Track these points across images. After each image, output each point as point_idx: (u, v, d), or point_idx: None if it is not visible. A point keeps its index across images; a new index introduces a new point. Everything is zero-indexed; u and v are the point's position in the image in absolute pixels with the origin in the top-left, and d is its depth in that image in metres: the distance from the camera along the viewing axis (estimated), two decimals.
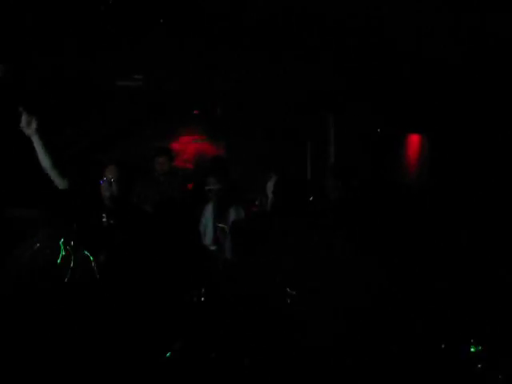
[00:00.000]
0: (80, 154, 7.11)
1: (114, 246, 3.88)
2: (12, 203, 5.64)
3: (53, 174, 3.88)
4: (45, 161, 3.81)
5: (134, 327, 3.48)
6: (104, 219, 3.95)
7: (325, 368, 3.26)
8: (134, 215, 4.17)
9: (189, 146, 9.08)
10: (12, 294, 3.46)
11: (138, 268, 3.80)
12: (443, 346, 3.56)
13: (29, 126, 3.69)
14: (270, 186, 6.71)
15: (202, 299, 3.99)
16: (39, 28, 4.85)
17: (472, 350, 3.53)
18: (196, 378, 3.31)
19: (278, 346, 3.40)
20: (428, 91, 6.81)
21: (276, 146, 8.82)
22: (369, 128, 7.84)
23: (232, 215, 5.20)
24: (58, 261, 3.62)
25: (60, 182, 3.91)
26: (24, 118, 3.68)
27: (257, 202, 8.14)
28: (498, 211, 5.60)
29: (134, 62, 6.05)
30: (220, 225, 5.25)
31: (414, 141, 7.73)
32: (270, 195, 4.79)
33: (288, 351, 3.36)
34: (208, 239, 5.28)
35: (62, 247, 3.67)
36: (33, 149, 3.80)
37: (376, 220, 4.91)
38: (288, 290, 3.63)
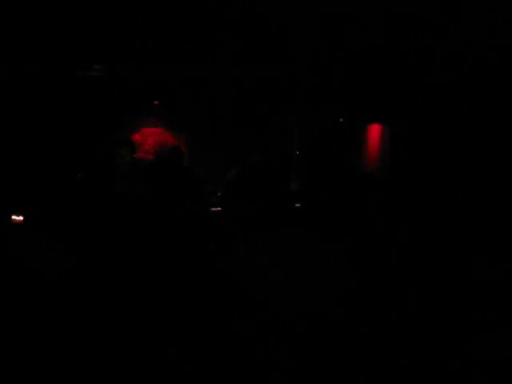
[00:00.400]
0: None
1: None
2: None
3: None
4: None
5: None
6: None
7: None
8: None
9: (149, 138, 8.99)
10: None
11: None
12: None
13: None
14: (230, 176, 6.78)
15: None
16: None
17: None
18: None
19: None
20: (388, 81, 6.91)
21: (238, 137, 8.82)
22: (331, 117, 7.92)
23: None
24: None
25: None
26: None
27: (219, 194, 8.16)
28: (457, 198, 5.75)
29: (95, 51, 5.94)
30: None
31: (375, 130, 7.83)
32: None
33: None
34: None
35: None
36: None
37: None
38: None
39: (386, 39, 5.56)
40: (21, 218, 4.50)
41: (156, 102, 8.91)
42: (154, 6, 4.76)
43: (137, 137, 8.77)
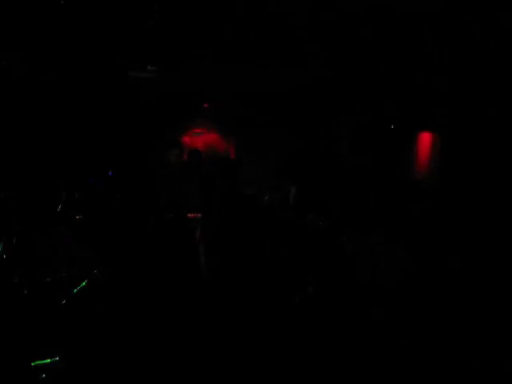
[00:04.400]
0: None
1: None
2: None
3: None
4: None
5: None
6: None
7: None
8: None
9: (198, 139, 9.06)
10: None
11: None
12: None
13: None
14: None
15: None
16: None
17: None
18: None
19: None
20: (440, 89, 6.77)
21: (287, 143, 8.81)
22: (381, 125, 7.82)
23: None
24: None
25: None
26: None
27: (266, 197, 8.16)
28: (507, 210, 5.59)
29: (148, 53, 6.03)
30: None
31: (426, 139, 7.68)
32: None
33: None
34: None
35: None
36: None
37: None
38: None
39: (438, 45, 5.44)
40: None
41: (206, 105, 8.99)
42: (209, 8, 4.79)
43: (186, 139, 8.87)
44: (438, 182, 7.19)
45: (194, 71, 6.95)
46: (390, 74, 6.76)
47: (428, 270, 4.31)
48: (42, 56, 5.60)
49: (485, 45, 5.27)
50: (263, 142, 8.86)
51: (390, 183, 6.83)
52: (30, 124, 6.33)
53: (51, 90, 6.70)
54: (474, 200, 6.12)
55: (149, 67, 6.49)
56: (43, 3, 4.46)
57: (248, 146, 8.94)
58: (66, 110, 7.09)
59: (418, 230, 4.87)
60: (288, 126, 8.86)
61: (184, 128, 8.95)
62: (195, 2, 4.65)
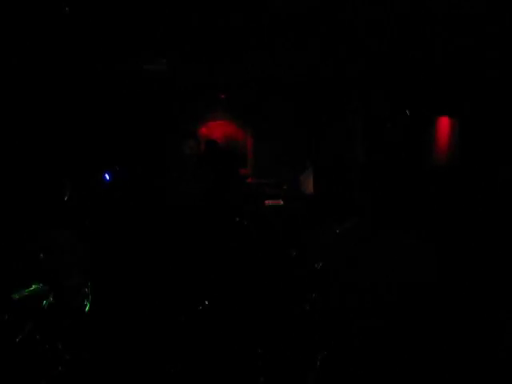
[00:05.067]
0: None
1: None
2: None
3: None
4: None
5: None
6: None
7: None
8: None
9: (216, 130, 9.07)
10: None
11: None
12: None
13: None
14: (305, 177, 6.81)
15: None
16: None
17: None
18: None
19: None
20: (461, 73, 6.67)
21: (303, 133, 8.79)
22: (398, 111, 7.73)
23: None
24: None
25: None
26: None
27: (285, 187, 8.17)
28: None
29: (160, 45, 6.04)
30: None
31: (444, 124, 7.58)
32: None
33: None
34: None
35: None
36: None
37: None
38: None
39: (457, 28, 5.34)
40: None
41: (222, 96, 8.99)
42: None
43: (203, 130, 8.88)
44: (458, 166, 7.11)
45: (207, 62, 6.94)
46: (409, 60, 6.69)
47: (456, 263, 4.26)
48: (52, 46, 5.65)
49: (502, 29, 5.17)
50: (280, 132, 8.84)
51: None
52: (38, 117, 6.36)
53: (61, 81, 6.74)
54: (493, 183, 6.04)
55: (162, 60, 6.50)
56: None
57: (265, 136, 8.94)
58: (77, 103, 7.13)
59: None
60: (303, 117, 8.82)
61: (200, 119, 8.97)
62: None
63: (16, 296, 3.10)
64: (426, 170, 7.34)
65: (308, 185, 7.05)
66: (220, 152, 6.54)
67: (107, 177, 6.37)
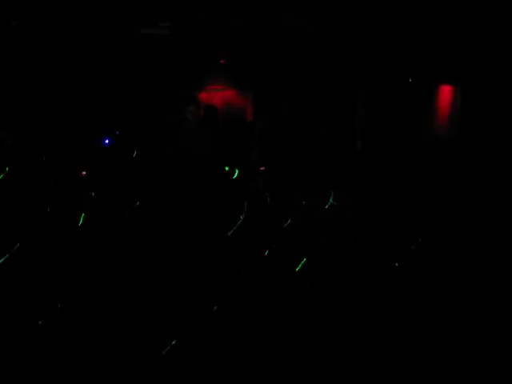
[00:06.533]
0: None
1: None
2: None
3: None
4: None
5: None
6: None
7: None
8: None
9: (216, 96, 9.01)
10: None
11: None
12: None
13: None
14: None
15: None
16: None
17: None
18: None
19: None
20: (463, 41, 6.60)
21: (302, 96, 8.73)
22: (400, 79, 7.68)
23: None
24: None
25: None
26: None
27: None
28: None
29: (161, 9, 5.95)
30: None
31: (446, 92, 7.54)
32: None
33: None
34: None
35: None
36: None
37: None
38: None
39: None
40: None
41: (222, 61, 8.90)
42: None
43: (203, 95, 8.82)
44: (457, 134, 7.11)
45: (207, 26, 6.85)
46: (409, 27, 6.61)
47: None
48: (53, 13, 5.58)
49: None
50: (280, 97, 8.78)
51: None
52: (38, 83, 6.32)
53: (61, 48, 6.68)
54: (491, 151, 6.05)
55: (162, 24, 6.42)
56: None
57: (265, 101, 8.88)
58: (75, 69, 7.08)
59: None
60: (304, 84, 8.75)
61: (200, 85, 8.90)
62: None
63: None
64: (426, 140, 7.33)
65: None
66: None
67: (107, 141, 6.36)
